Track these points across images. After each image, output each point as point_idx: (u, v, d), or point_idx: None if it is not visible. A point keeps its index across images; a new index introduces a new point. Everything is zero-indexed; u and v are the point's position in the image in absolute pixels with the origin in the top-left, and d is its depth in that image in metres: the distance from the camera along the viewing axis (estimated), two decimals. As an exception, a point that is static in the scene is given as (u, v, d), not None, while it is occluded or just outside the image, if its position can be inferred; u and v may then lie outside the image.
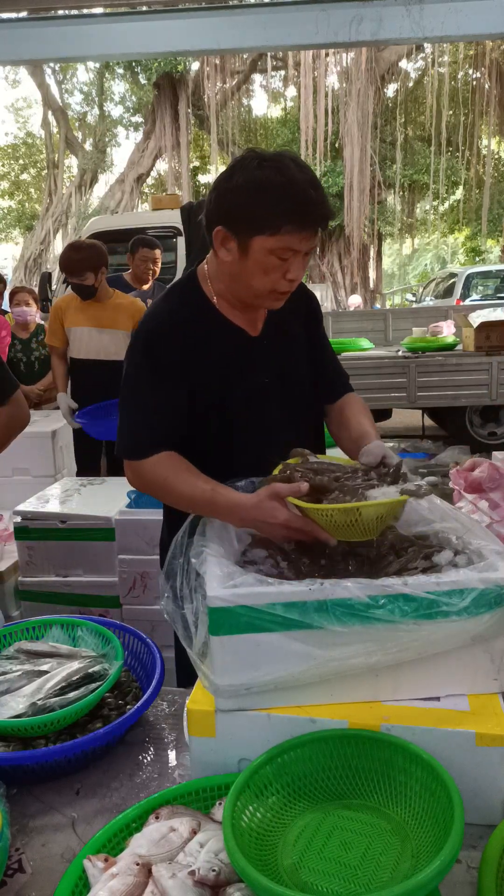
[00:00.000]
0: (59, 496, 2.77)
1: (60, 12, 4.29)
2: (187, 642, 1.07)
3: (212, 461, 1.41)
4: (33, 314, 4.92)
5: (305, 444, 1.45)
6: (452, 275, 12.00)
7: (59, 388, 3.89)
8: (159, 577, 1.18)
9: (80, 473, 3.87)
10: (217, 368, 1.42)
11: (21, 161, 23.91)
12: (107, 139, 21.91)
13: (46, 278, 6.95)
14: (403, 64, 18.34)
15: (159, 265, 4.67)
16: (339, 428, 1.58)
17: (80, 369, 3.82)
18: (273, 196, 1.22)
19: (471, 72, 17.84)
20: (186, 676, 1.51)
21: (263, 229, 1.25)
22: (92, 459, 3.90)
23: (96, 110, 21.78)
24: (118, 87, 22.27)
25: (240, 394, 1.44)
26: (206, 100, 18.72)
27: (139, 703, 1.21)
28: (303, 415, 1.55)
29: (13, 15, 4.40)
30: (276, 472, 1.28)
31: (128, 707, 1.27)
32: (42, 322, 4.91)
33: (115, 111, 21.97)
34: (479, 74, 17.51)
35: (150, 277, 4.64)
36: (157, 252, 4.59)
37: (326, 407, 1.62)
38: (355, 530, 1.13)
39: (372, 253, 20.10)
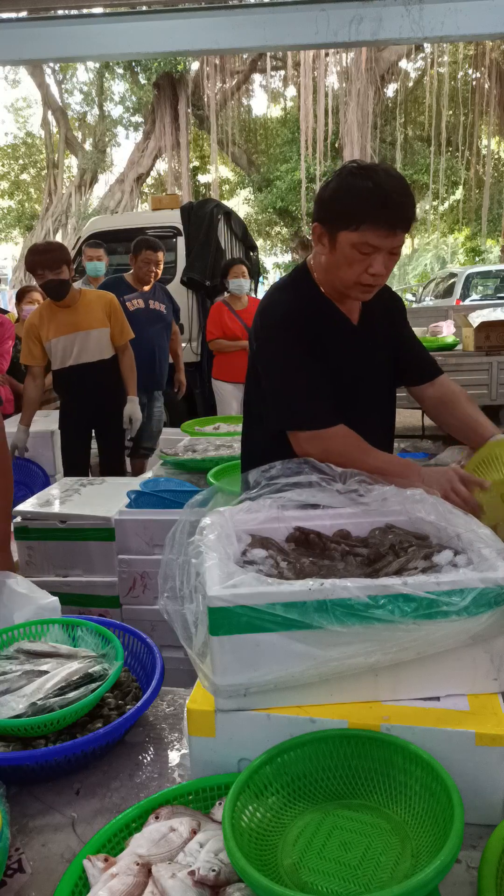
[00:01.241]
0: (58, 496, 2.76)
1: (60, 12, 4.29)
2: (187, 642, 1.07)
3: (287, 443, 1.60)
4: None
5: (382, 429, 1.74)
6: (452, 275, 12.00)
7: (23, 419, 3.77)
8: (159, 576, 1.18)
9: (67, 473, 3.84)
10: (324, 350, 1.59)
11: (21, 161, 23.90)
12: (107, 139, 21.91)
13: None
14: (403, 64, 18.34)
15: (161, 267, 4.68)
16: (441, 412, 1.80)
17: (67, 377, 3.78)
18: (357, 196, 1.42)
19: (471, 72, 17.83)
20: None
21: (347, 225, 1.44)
22: (80, 458, 3.89)
23: (96, 110, 21.77)
24: (118, 87, 22.28)
25: (345, 376, 1.62)
26: (205, 100, 18.71)
27: (139, 703, 1.21)
28: (386, 400, 1.79)
29: (13, 15, 4.40)
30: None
31: (128, 707, 1.27)
32: None
33: (115, 111, 21.97)
34: (478, 74, 17.50)
35: (153, 279, 4.64)
36: (160, 254, 4.59)
37: (418, 390, 1.83)
38: None
39: (372, 253, 20.06)
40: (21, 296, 5.01)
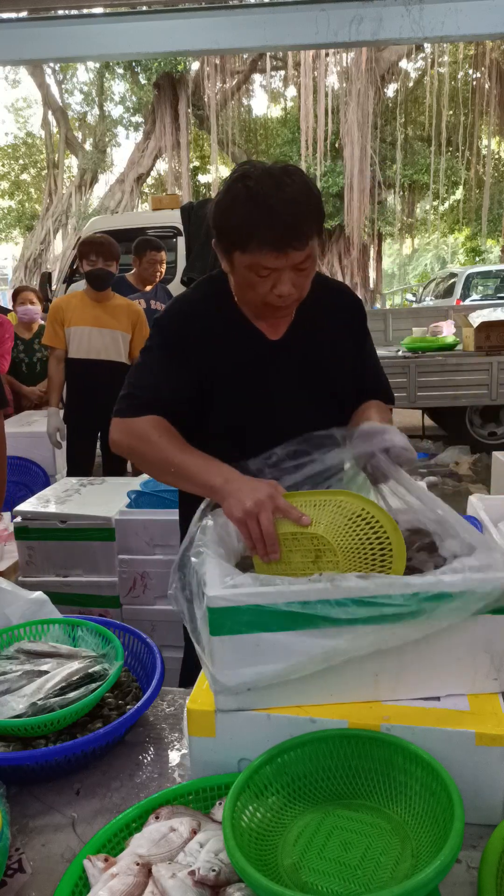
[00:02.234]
0: (58, 496, 2.76)
1: (60, 12, 4.29)
2: (195, 636, 1.07)
3: (244, 445, 1.39)
4: (38, 313, 4.92)
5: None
6: (452, 275, 12.00)
7: (52, 401, 3.81)
8: (172, 568, 1.17)
9: (70, 473, 3.85)
10: (231, 365, 1.43)
11: (21, 161, 23.89)
12: (107, 139, 21.90)
13: (46, 278, 6.96)
14: (403, 64, 18.32)
15: (164, 266, 4.69)
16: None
17: (79, 369, 3.81)
18: (242, 213, 1.23)
19: (471, 72, 17.83)
20: (192, 678, 1.51)
21: (237, 246, 1.27)
22: (85, 458, 3.89)
23: (96, 110, 21.76)
24: (118, 87, 22.28)
25: (252, 394, 1.44)
26: (206, 100, 18.71)
27: (139, 703, 1.21)
28: (321, 422, 1.47)
29: (13, 15, 4.40)
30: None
31: (128, 707, 1.27)
32: (44, 322, 4.92)
33: (115, 111, 21.96)
34: (479, 74, 17.49)
35: (157, 279, 4.65)
36: (164, 254, 4.61)
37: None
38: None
39: (372, 253, 20.10)
40: (15, 295, 5.01)
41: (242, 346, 1.44)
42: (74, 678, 1.24)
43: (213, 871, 0.82)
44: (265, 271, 1.27)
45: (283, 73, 19.74)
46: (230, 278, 1.40)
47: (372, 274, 20.32)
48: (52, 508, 2.60)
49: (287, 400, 1.45)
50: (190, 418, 1.44)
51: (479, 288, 11.25)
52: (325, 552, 1.15)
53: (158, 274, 4.62)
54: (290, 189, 1.23)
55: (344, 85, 17.35)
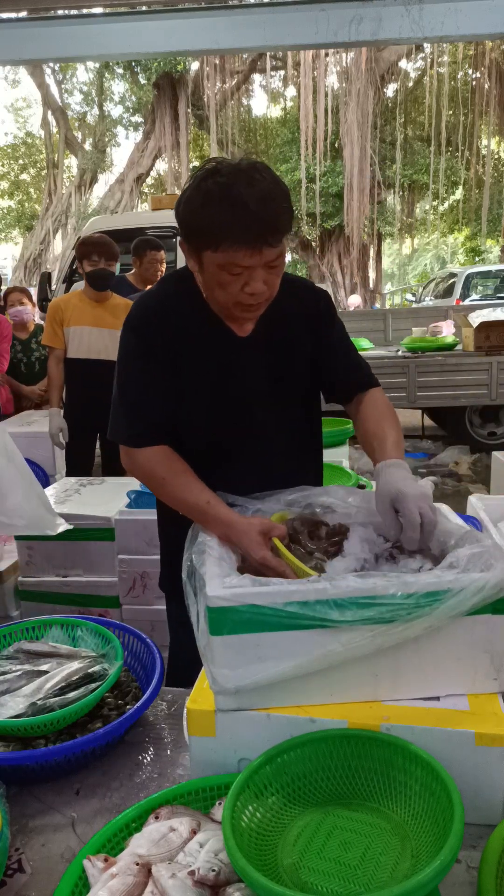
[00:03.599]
0: (58, 496, 2.76)
1: (60, 12, 4.29)
2: (196, 636, 1.07)
3: (201, 462, 1.39)
4: (30, 313, 4.90)
5: (298, 448, 1.47)
6: (452, 275, 12.00)
7: (53, 401, 3.81)
8: (183, 573, 1.17)
9: (69, 473, 3.85)
10: (204, 362, 1.41)
11: (21, 161, 23.91)
12: (106, 139, 21.91)
13: (46, 278, 6.95)
14: (403, 64, 18.34)
15: (165, 266, 4.69)
16: (358, 431, 1.51)
17: (78, 369, 3.81)
18: (211, 211, 1.20)
19: (470, 72, 17.83)
20: (177, 677, 1.52)
21: (207, 245, 1.23)
22: (84, 459, 3.89)
23: (96, 110, 21.78)
24: (118, 87, 22.28)
25: (221, 397, 1.42)
26: (205, 100, 18.71)
27: (139, 703, 1.21)
28: (296, 418, 1.50)
29: (13, 15, 4.40)
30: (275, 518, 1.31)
31: (128, 707, 1.27)
32: (41, 322, 4.91)
33: (115, 111, 21.97)
34: (478, 74, 17.50)
35: (157, 278, 4.65)
36: (163, 253, 4.60)
37: (346, 407, 1.56)
38: None
39: (372, 253, 20.11)
40: (5, 297, 4.97)
41: (213, 345, 1.41)
42: (74, 678, 1.24)
43: (213, 871, 0.82)
44: (238, 269, 1.23)
45: (282, 73, 19.76)
46: (197, 277, 1.36)
47: (372, 274, 20.33)
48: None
49: (258, 396, 1.44)
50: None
51: (479, 288, 11.26)
52: None
53: (159, 273, 4.62)
54: (262, 185, 1.20)
55: (344, 85, 17.36)
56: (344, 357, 1.56)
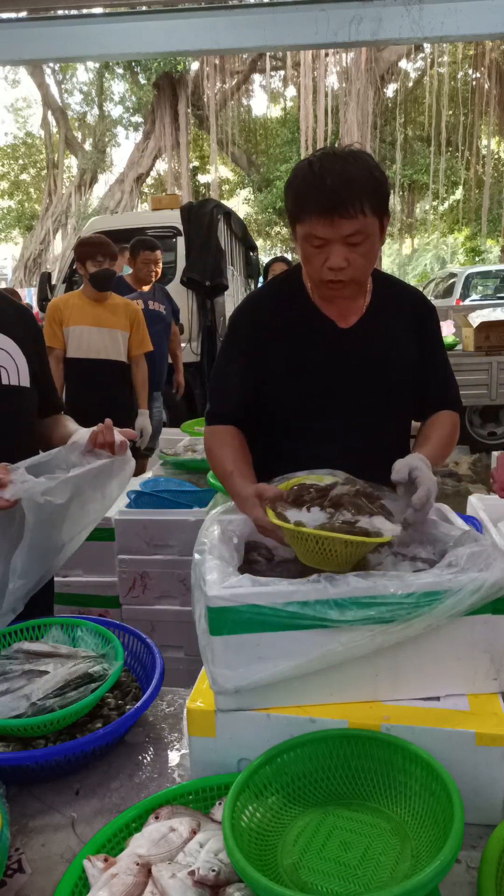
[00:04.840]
0: (58, 496, 2.76)
1: (60, 12, 4.29)
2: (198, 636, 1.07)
3: (271, 444, 1.54)
4: None
5: (375, 441, 1.48)
6: (452, 275, 12.00)
7: None
8: (193, 570, 1.17)
9: None
10: (300, 356, 1.50)
11: (21, 161, 23.91)
12: (106, 139, 21.91)
13: (46, 278, 6.95)
14: (403, 64, 18.35)
15: (161, 266, 4.68)
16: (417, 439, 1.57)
17: (78, 368, 3.81)
18: (296, 187, 1.35)
19: (470, 72, 17.84)
20: None
21: (295, 218, 1.37)
22: None
23: (96, 110, 21.78)
24: (118, 87, 22.30)
25: (318, 384, 1.50)
26: (205, 100, 18.72)
27: (139, 704, 1.21)
28: (369, 407, 1.51)
29: (13, 15, 4.40)
30: (286, 485, 1.29)
31: (127, 707, 1.27)
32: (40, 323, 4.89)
33: (115, 111, 21.99)
34: (478, 74, 17.50)
35: (153, 279, 4.64)
36: (158, 253, 4.59)
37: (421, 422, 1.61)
38: (321, 558, 1.11)
39: (372, 253, 20.07)
40: None
41: (313, 332, 1.51)
42: (74, 678, 1.24)
43: (213, 871, 0.82)
44: (317, 241, 1.34)
45: (282, 73, 19.76)
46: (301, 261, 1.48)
47: (371, 274, 20.29)
48: (51, 508, 2.60)
49: (338, 386, 1.50)
50: (255, 407, 1.54)
51: (479, 288, 11.26)
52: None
53: (154, 274, 4.62)
54: (346, 165, 1.31)
55: (343, 85, 17.37)
56: (440, 375, 1.61)
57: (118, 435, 1.50)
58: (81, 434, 1.53)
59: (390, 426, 1.56)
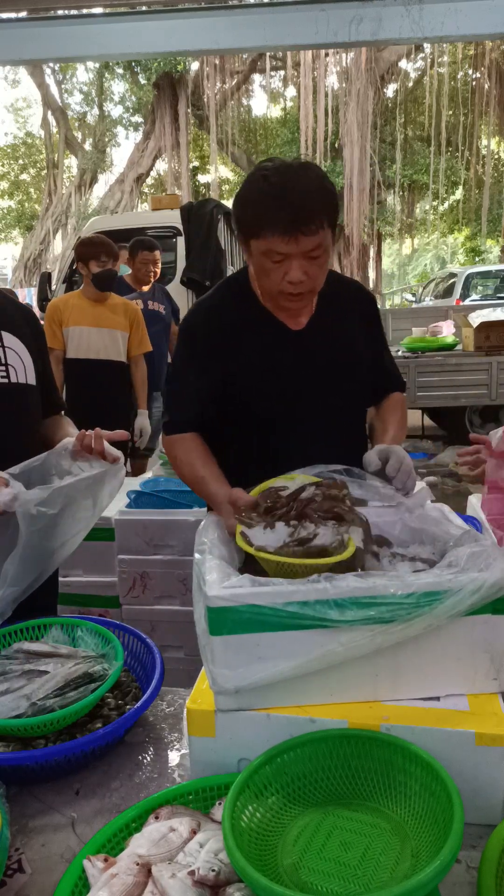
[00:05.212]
0: (58, 496, 2.76)
1: (60, 12, 4.29)
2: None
3: (239, 449, 1.53)
4: None
5: (334, 435, 1.51)
6: (452, 275, 12.00)
7: None
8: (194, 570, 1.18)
9: None
10: (253, 359, 1.50)
11: (21, 161, 23.90)
12: (106, 139, 21.90)
13: (46, 278, 6.95)
14: (403, 64, 18.33)
15: (159, 266, 4.67)
16: (369, 423, 1.65)
17: (78, 369, 3.81)
18: (254, 203, 1.32)
19: (470, 72, 17.83)
20: None
21: (252, 233, 1.35)
22: None
23: (96, 110, 21.77)
24: (118, 87, 22.27)
25: (274, 385, 1.51)
26: (205, 100, 18.71)
27: (139, 704, 1.21)
28: (336, 408, 1.56)
29: (13, 15, 4.40)
30: (258, 490, 1.31)
31: (128, 707, 1.27)
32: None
33: (115, 111, 21.97)
34: (478, 75, 17.49)
35: (151, 279, 4.64)
36: (157, 253, 4.59)
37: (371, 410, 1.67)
38: (286, 575, 1.13)
39: (372, 253, 20.10)
40: None
41: (266, 338, 1.51)
42: (74, 678, 1.24)
43: (213, 871, 0.82)
44: (278, 257, 1.33)
45: (282, 73, 19.75)
46: (250, 270, 1.49)
47: (372, 274, 20.32)
48: (51, 508, 2.60)
49: (310, 390, 1.52)
50: (223, 413, 1.54)
51: (479, 288, 11.25)
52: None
53: (152, 274, 4.62)
54: (304, 180, 1.31)
55: (343, 85, 17.36)
56: (385, 362, 1.69)
57: (110, 448, 1.50)
58: (70, 438, 1.54)
59: (357, 421, 1.63)
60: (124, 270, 4.95)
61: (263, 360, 1.50)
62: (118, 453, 1.51)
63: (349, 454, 1.43)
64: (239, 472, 1.42)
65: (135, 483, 2.72)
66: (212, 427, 1.55)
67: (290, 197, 1.28)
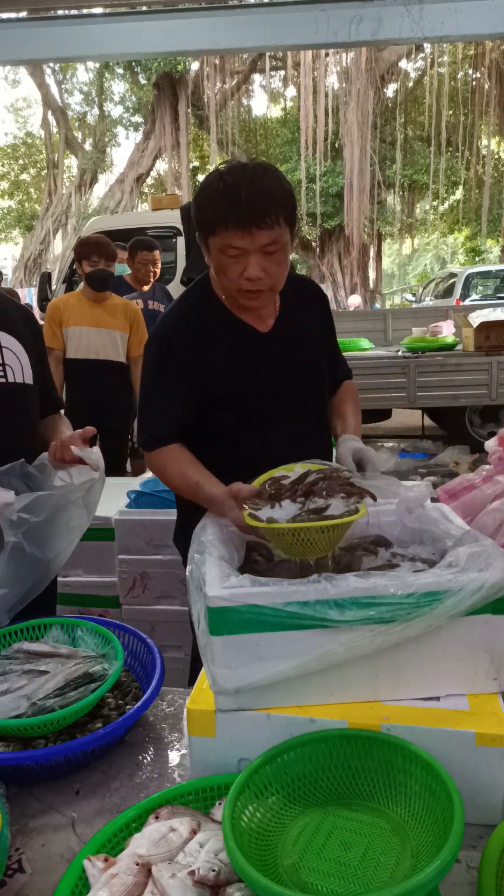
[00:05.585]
0: (58, 496, 2.76)
1: (60, 12, 4.29)
2: (197, 636, 1.07)
3: (225, 453, 1.52)
4: None
5: (318, 435, 1.57)
6: (452, 275, 12.00)
7: None
8: (188, 572, 1.18)
9: None
10: (228, 363, 1.51)
11: (21, 161, 23.91)
12: (107, 139, 21.91)
13: (46, 278, 6.95)
14: (403, 64, 18.34)
15: (159, 266, 4.67)
16: (328, 412, 1.67)
17: (78, 369, 3.81)
18: (209, 200, 1.36)
19: (470, 72, 17.83)
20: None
21: (209, 230, 1.38)
22: None
23: (96, 110, 21.79)
24: (118, 87, 22.29)
25: (251, 387, 1.52)
26: (205, 100, 18.72)
27: (139, 704, 1.21)
28: (315, 407, 1.62)
29: (13, 15, 4.40)
30: (259, 480, 1.31)
31: (128, 707, 1.27)
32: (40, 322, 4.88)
33: (115, 111, 21.99)
34: (478, 74, 17.50)
35: (151, 279, 4.64)
36: (156, 253, 4.59)
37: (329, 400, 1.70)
38: (302, 549, 1.14)
39: (372, 253, 20.10)
40: None
41: (236, 341, 1.52)
42: (74, 678, 1.24)
43: (213, 871, 0.82)
44: (234, 251, 1.36)
45: (282, 73, 19.76)
46: (211, 274, 1.51)
47: (372, 274, 20.33)
48: (51, 508, 2.60)
49: (283, 389, 1.55)
50: (199, 418, 1.53)
51: (479, 288, 11.25)
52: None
53: (152, 274, 4.62)
54: (260, 177, 1.34)
55: (344, 85, 17.36)
56: (337, 353, 1.74)
57: (89, 454, 1.52)
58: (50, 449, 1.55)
59: (323, 419, 1.67)
60: (122, 270, 4.95)
61: (236, 362, 1.52)
62: (96, 460, 1.53)
63: (318, 452, 1.45)
64: (227, 474, 1.41)
65: (135, 483, 2.72)
66: (189, 435, 1.55)
67: (245, 192, 1.31)
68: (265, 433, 1.53)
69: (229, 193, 1.32)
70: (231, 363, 1.51)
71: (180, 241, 6.50)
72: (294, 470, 1.32)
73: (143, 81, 19.61)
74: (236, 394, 1.52)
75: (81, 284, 3.91)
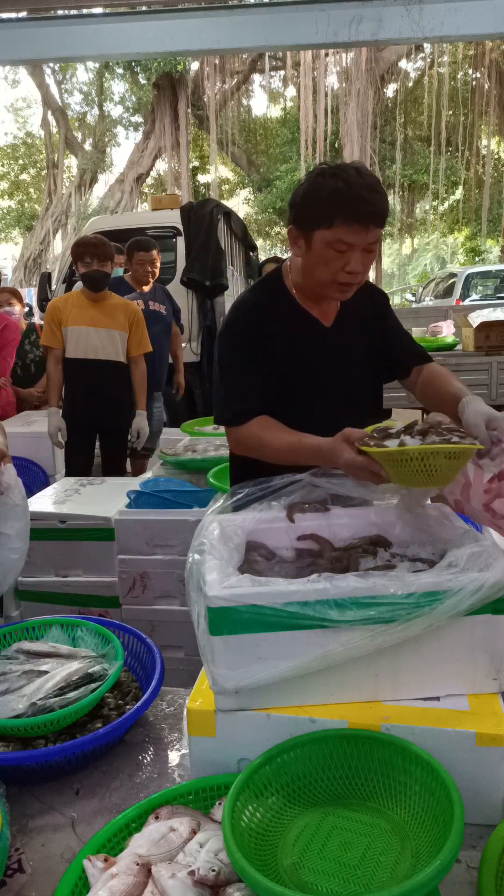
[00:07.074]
0: (58, 496, 2.76)
1: (60, 12, 4.29)
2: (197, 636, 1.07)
3: (289, 422, 1.57)
4: (18, 314, 4.86)
5: (367, 417, 1.61)
6: (452, 275, 11.99)
7: (52, 401, 3.81)
8: (186, 570, 1.18)
9: (69, 473, 3.84)
10: (293, 353, 1.62)
11: (21, 161, 23.88)
12: (106, 139, 21.90)
13: (46, 278, 6.95)
14: (403, 64, 18.32)
15: (158, 266, 4.66)
16: (424, 393, 1.76)
17: (77, 369, 3.80)
18: (328, 195, 1.43)
19: (470, 72, 17.82)
20: None
21: (321, 223, 1.45)
22: (84, 461, 3.89)
23: (96, 110, 21.76)
24: (118, 87, 22.25)
25: (310, 378, 1.63)
26: (205, 100, 18.70)
27: (139, 704, 1.21)
28: (363, 398, 1.75)
29: (13, 15, 4.40)
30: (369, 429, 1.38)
31: (127, 707, 1.27)
32: (40, 322, 4.88)
33: (115, 111, 21.95)
34: (478, 74, 17.49)
35: (150, 279, 4.63)
36: (153, 253, 4.58)
37: (408, 381, 1.82)
38: (424, 477, 1.17)
39: (372, 253, 20.06)
40: None
41: (302, 332, 1.63)
42: (74, 678, 1.24)
43: (213, 871, 0.82)
44: (343, 246, 1.45)
45: (282, 73, 19.74)
46: (292, 264, 1.62)
47: (371, 274, 20.31)
48: (51, 508, 2.60)
49: (336, 380, 1.65)
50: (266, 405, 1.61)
51: (479, 288, 11.24)
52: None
53: (151, 274, 4.61)
54: (368, 178, 1.46)
55: (343, 85, 17.35)
56: (404, 337, 1.88)
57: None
58: None
59: (366, 408, 1.76)
60: (119, 271, 4.96)
61: (302, 353, 1.62)
62: (9, 481, 1.54)
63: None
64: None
65: (135, 483, 2.72)
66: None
67: (363, 191, 1.41)
68: (317, 425, 1.55)
69: (353, 192, 1.41)
70: (295, 352, 1.61)
71: (180, 241, 6.49)
72: (397, 423, 1.38)
73: (142, 81, 19.58)
74: (298, 381, 1.62)
75: (81, 284, 3.91)
